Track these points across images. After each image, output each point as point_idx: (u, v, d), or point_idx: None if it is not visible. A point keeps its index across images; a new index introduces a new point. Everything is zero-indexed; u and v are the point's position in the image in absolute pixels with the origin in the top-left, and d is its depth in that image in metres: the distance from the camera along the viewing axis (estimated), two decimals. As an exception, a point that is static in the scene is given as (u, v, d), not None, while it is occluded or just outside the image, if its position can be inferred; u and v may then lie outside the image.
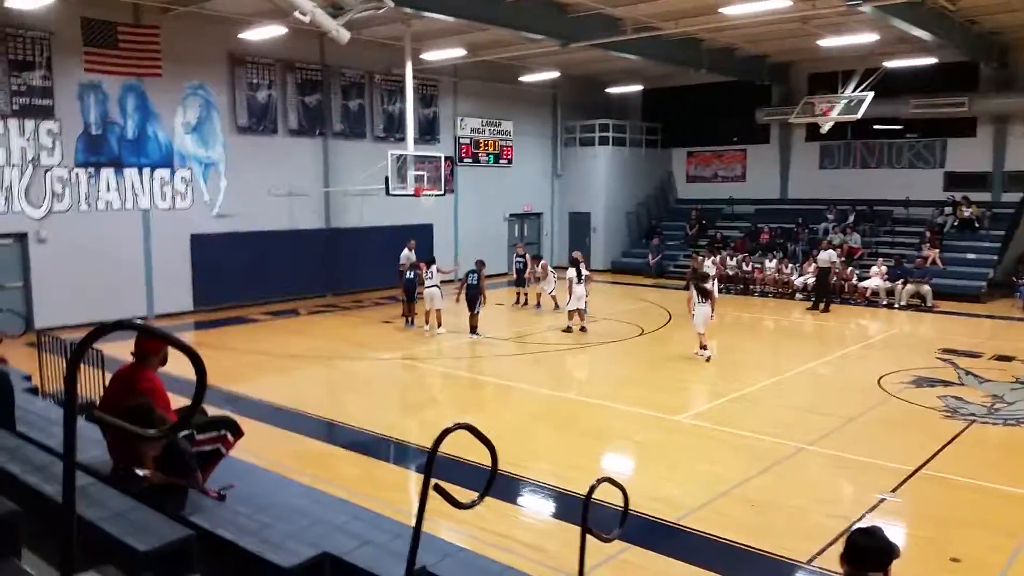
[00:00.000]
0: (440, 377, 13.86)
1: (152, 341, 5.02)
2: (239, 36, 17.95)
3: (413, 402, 12.48)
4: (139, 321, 5.68)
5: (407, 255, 18.39)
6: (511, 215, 27.17)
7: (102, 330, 2.58)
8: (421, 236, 22.70)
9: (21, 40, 15.71)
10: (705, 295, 14.06)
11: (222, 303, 19.08)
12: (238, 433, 5.42)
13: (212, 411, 6.53)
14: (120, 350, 5.04)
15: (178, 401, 5.06)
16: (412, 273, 17.25)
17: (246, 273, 19.42)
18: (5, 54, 15.57)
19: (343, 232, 21.73)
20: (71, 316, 15.26)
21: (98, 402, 8.42)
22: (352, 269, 21.72)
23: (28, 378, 8.53)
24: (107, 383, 5.48)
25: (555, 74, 25.44)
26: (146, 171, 18.01)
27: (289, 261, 20.35)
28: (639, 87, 28.05)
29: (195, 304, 18.87)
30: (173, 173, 18.48)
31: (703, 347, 14.12)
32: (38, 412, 5.99)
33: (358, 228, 21.94)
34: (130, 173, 17.74)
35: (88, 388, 8.34)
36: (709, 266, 19.14)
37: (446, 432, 3.88)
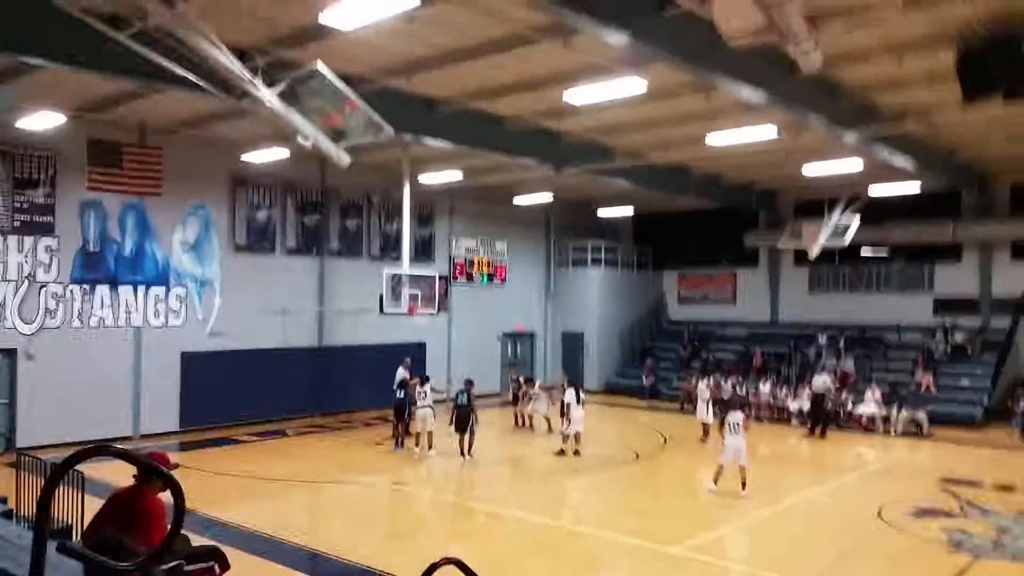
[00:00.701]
0: (428, 503, 13.45)
1: (161, 459, 4.91)
2: (242, 158, 18.45)
3: (399, 530, 12.03)
4: (120, 445, 5.53)
5: (403, 373, 18.23)
6: (504, 334, 27.18)
7: (82, 454, 2.48)
8: (414, 355, 22.61)
9: (27, 159, 16.09)
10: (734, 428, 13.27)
11: (209, 423, 18.72)
12: (226, 565, 5.19)
13: (195, 539, 6.27)
14: (102, 472, 4.88)
15: (153, 529, 4.85)
16: (403, 392, 17.05)
17: (235, 392, 19.17)
18: (11, 172, 15.90)
19: (335, 350, 21.63)
20: (55, 435, 14.94)
21: (80, 527, 8.10)
22: (343, 388, 21.48)
23: (3, 500, 8.23)
24: (102, 505, 5.25)
25: (548, 196, 26.05)
26: (141, 289, 18.06)
27: (279, 380, 20.14)
28: (630, 210, 28.69)
29: (181, 424, 18.51)
30: (168, 291, 18.54)
31: (743, 484, 13.03)
32: (8, 537, 5.72)
33: (350, 346, 21.86)
34: (125, 291, 17.77)
35: (66, 512, 8.02)
36: (703, 389, 18.95)
37: (433, 567, 3.69)
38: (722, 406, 15.00)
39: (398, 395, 17.10)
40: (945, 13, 10.46)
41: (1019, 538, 10.88)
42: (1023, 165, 21.46)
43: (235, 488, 13.57)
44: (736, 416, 13.40)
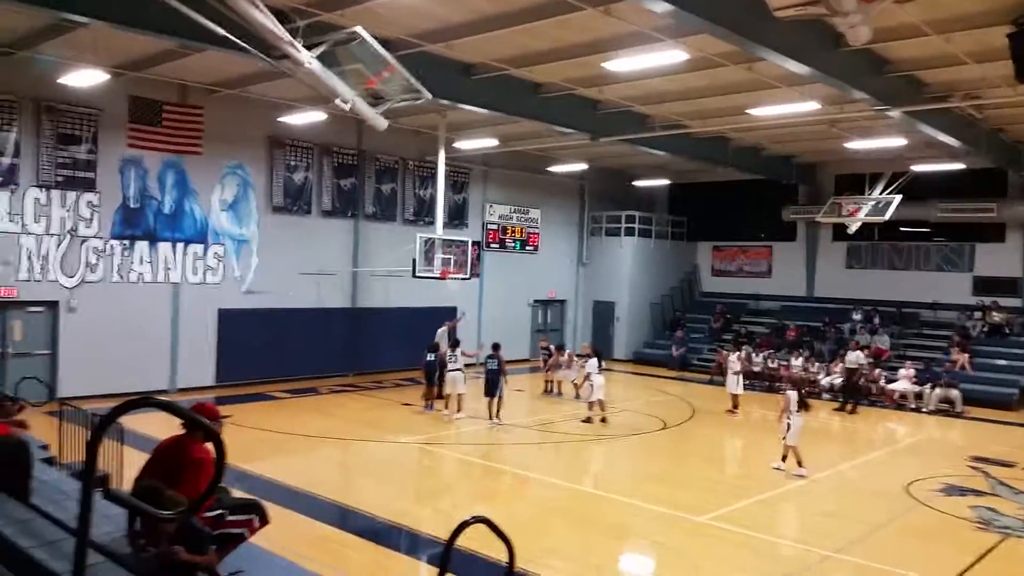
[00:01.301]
0: (457, 464, 13.66)
1: (208, 410, 5.08)
2: (279, 119, 18.58)
3: (428, 489, 12.28)
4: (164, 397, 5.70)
5: (442, 333, 18.45)
6: (535, 301, 27.25)
7: (128, 405, 2.59)
8: (446, 318, 22.79)
9: (70, 116, 16.35)
10: (805, 405, 13.05)
11: (244, 379, 19.12)
12: (265, 519, 5.35)
13: (234, 493, 6.46)
14: (140, 424, 5.04)
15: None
16: (433, 355, 17.24)
17: (270, 350, 19.54)
18: (55, 128, 16.19)
19: (368, 312, 21.90)
20: (94, 386, 15.37)
21: (119, 476, 8.39)
22: (375, 349, 21.78)
23: (45, 447, 8.53)
24: (149, 456, 5.41)
25: (583, 166, 25.93)
26: (180, 246, 18.38)
27: (313, 339, 20.47)
28: (666, 181, 28.47)
29: (217, 379, 18.93)
30: (206, 249, 18.84)
31: (800, 464, 12.66)
32: (52, 483, 5.95)
33: (383, 308, 22.11)
34: (164, 247, 18.11)
35: (105, 462, 8.30)
36: (733, 361, 18.89)
37: (463, 525, 3.79)
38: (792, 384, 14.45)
39: (428, 357, 17.29)
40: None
41: (1049, 521, 10.80)
42: (1074, 144, 20.88)
43: (269, 443, 13.89)
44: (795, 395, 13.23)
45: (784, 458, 12.92)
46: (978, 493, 12.02)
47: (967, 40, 12.08)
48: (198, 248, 18.72)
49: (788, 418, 12.75)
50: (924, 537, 10.16)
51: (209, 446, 5.04)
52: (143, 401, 2.65)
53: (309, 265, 20.54)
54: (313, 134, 20.10)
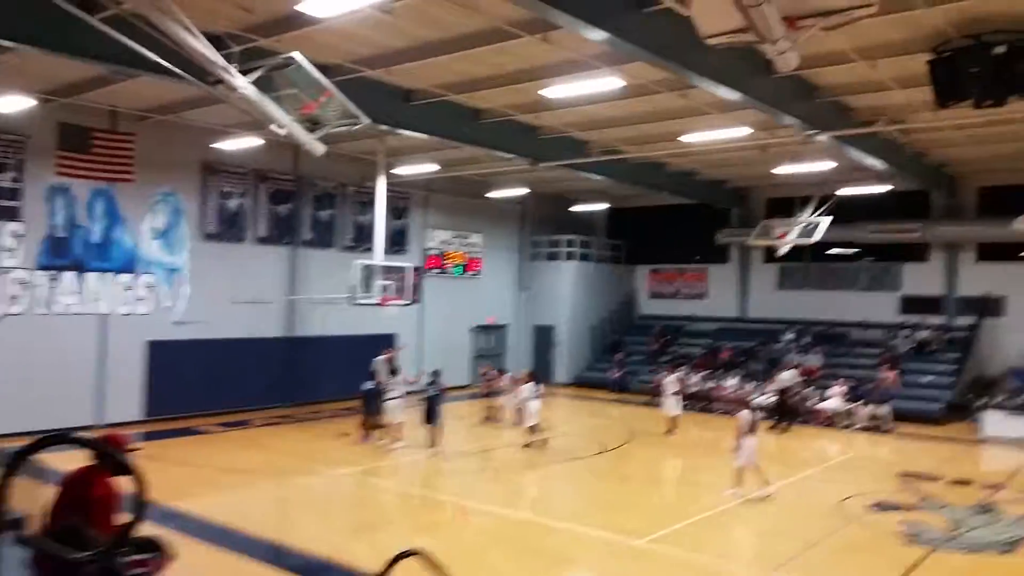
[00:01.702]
0: (396, 495, 13.44)
1: (116, 441, 4.85)
2: (213, 145, 18.24)
3: (365, 522, 12.01)
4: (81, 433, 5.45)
5: (380, 363, 18.15)
6: (476, 326, 27.18)
7: (36, 445, 2.45)
8: (385, 346, 22.51)
9: (-7, 142, 15.77)
10: (754, 429, 12.89)
11: (175, 413, 18.50)
12: (166, 558, 5.14)
13: (155, 532, 6.21)
14: (61, 461, 4.82)
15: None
16: (372, 384, 17.00)
17: (202, 382, 18.98)
18: (-25, 155, 15.57)
19: (304, 341, 21.49)
20: (17, 423, 14.64)
21: (33, 516, 7.98)
22: (312, 379, 21.35)
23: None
24: (57, 492, 5.19)
25: (524, 190, 26.11)
26: (109, 276, 17.79)
27: (247, 370, 19.97)
28: (604, 205, 28.89)
29: (146, 413, 18.28)
30: (136, 278, 18.28)
31: (739, 484, 12.74)
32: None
33: (320, 337, 21.74)
34: (92, 277, 17.49)
35: (21, 501, 7.89)
36: (670, 383, 19.08)
37: (397, 558, 3.70)
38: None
39: (367, 386, 17.04)
40: (920, 19, 10.63)
41: (973, 531, 11.15)
42: (991, 168, 21.90)
43: (199, 479, 13.46)
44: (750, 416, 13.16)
45: (738, 482, 12.84)
46: (907, 508, 12.34)
47: (891, 67, 12.60)
48: (127, 278, 18.15)
49: (741, 439, 12.77)
50: (857, 552, 10.38)
51: (114, 479, 4.85)
52: (51, 439, 2.50)
53: (243, 294, 20.11)
54: (248, 160, 19.78)
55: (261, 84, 8.31)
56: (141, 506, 2.36)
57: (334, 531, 11.02)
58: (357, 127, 8.98)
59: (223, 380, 19.41)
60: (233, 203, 20.06)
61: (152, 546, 5.02)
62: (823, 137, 15.72)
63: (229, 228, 19.99)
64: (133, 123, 17.32)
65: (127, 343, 17.98)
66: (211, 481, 13.43)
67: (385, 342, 21.81)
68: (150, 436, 17.07)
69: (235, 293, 19.92)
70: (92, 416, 17.34)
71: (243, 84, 8.17)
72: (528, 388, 16.84)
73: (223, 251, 19.85)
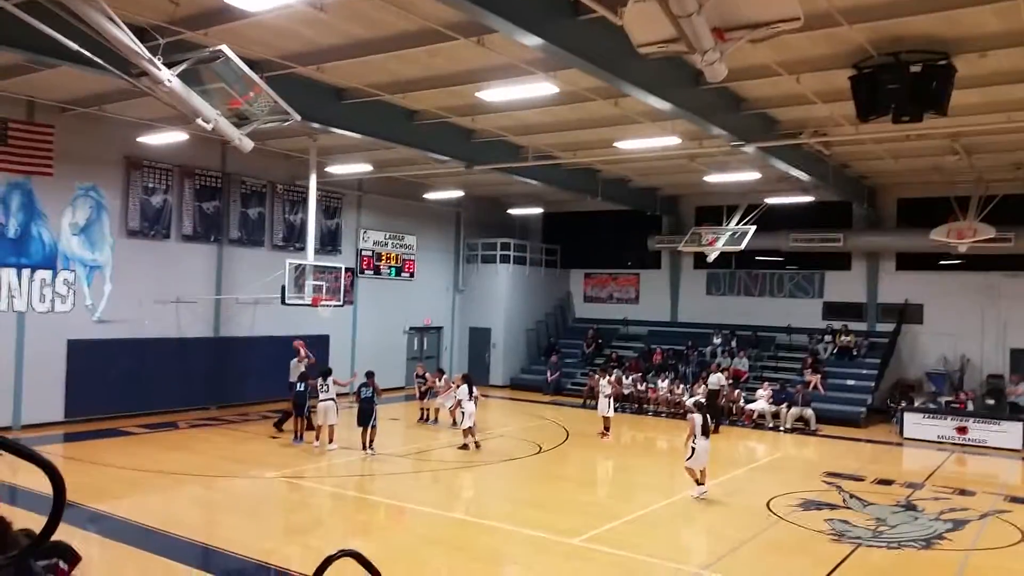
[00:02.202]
0: (328, 497, 13.23)
1: None
2: (138, 140, 17.70)
3: (297, 525, 11.80)
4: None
5: (295, 365, 17.76)
6: (411, 328, 27.01)
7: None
8: (317, 347, 22.19)
9: (-101, 131, 14.98)
10: (706, 430, 12.87)
11: (97, 414, 17.89)
12: (74, 560, 4.95)
13: (75, 534, 5.98)
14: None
15: (33, 520, 4.59)
16: (303, 385, 16.72)
17: (125, 382, 18.40)
18: None
19: (232, 341, 21.01)
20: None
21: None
22: (240, 380, 20.90)
23: None
24: None
25: (459, 193, 26.09)
26: (26, 272, 17.08)
27: (172, 371, 19.42)
28: (539, 210, 29.07)
29: (67, 414, 17.62)
30: (55, 275, 17.59)
31: (698, 483, 12.93)
32: None
33: (249, 337, 21.29)
34: (7, 273, 16.77)
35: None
36: (604, 385, 19.31)
37: (329, 560, 3.64)
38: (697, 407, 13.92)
39: (298, 387, 16.76)
40: (842, 36, 11.01)
41: (895, 527, 11.59)
42: (908, 181, 22.84)
43: (122, 481, 13.02)
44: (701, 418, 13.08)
45: (698, 481, 12.97)
46: (832, 507, 12.75)
47: (815, 81, 13.02)
48: (46, 275, 17.45)
49: (693, 442, 12.80)
50: (784, 551, 10.66)
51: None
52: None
53: (168, 292, 19.57)
54: (174, 155, 19.24)
55: (188, 77, 8.09)
56: (59, 509, 2.26)
57: (265, 534, 10.78)
58: (287, 124, 8.82)
59: (147, 381, 18.85)
60: (157, 199, 19.48)
61: (57, 549, 4.81)
62: (749, 148, 16.15)
63: (153, 225, 19.41)
64: (52, 115, 16.71)
65: (46, 342, 17.30)
66: (135, 483, 13.00)
67: (318, 343, 21.53)
68: (71, 437, 16.47)
69: (160, 292, 19.37)
70: (10, 417, 16.65)
71: (168, 76, 7.95)
72: (462, 390, 16.81)
73: (147, 248, 19.27)
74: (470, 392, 16.73)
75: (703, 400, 16.15)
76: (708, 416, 13.03)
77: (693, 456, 12.82)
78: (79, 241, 18.06)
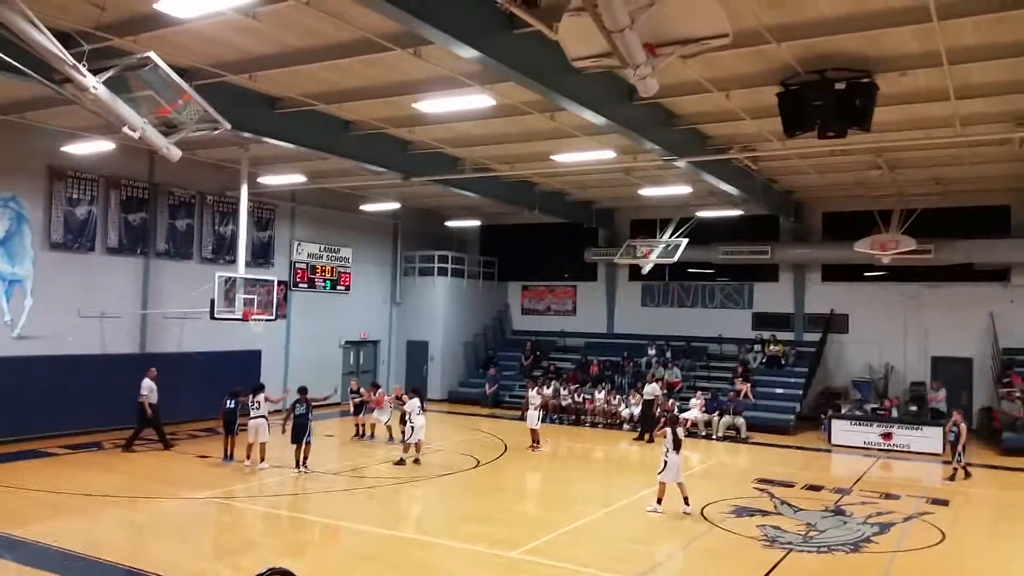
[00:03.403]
0: (260, 517, 12.90)
1: None
2: (62, 149, 17.08)
3: (228, 546, 11.46)
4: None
5: (149, 384, 17.14)
6: (347, 342, 26.64)
7: None
8: (249, 362, 21.71)
9: None
10: (678, 444, 12.77)
11: (15, 435, 17.07)
12: None
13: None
14: None
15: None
16: (234, 402, 16.31)
17: (46, 401, 17.64)
18: None
19: (159, 357, 20.30)
20: None
21: None
22: (168, 398, 20.08)
23: None
24: None
25: (396, 205, 25.91)
26: (-64, 286, 16.30)
27: (96, 389, 18.69)
28: (477, 222, 29.09)
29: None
30: (-31, 289, 16.82)
31: (685, 500, 12.76)
32: None
33: (176, 353, 20.68)
34: (-84, 287, 15.98)
35: None
36: (534, 396, 19.22)
37: (261, 580, 3.55)
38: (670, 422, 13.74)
39: (228, 404, 16.32)
40: (770, 54, 11.35)
41: (824, 532, 11.89)
42: (834, 195, 23.64)
43: (43, 505, 12.46)
44: (680, 433, 13.02)
45: (659, 499, 12.88)
46: (764, 513, 13.01)
47: (743, 97, 13.38)
48: (-41, 289, 16.67)
49: (665, 455, 12.77)
50: (718, 557, 10.83)
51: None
52: None
53: (92, 307, 18.90)
54: (99, 165, 18.63)
55: (114, 85, 7.85)
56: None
57: (194, 556, 10.44)
58: (217, 132, 8.63)
59: (70, 399, 18.10)
60: (82, 211, 18.82)
61: None
62: (681, 163, 16.49)
63: (77, 237, 18.74)
64: (-32, 122, 16.00)
65: (-42, 361, 16.50)
66: (57, 506, 12.46)
67: (249, 359, 21.07)
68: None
69: (83, 306, 18.70)
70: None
71: (93, 83, 7.70)
72: (413, 403, 16.55)
73: (70, 261, 18.59)
74: (421, 406, 16.55)
75: (677, 414, 16.21)
76: (676, 431, 12.92)
77: (664, 469, 12.77)
78: (-4, 254, 17.32)
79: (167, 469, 15.71)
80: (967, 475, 16.33)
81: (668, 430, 13.08)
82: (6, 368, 17.17)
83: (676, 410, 22.00)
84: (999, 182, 20.64)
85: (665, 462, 12.80)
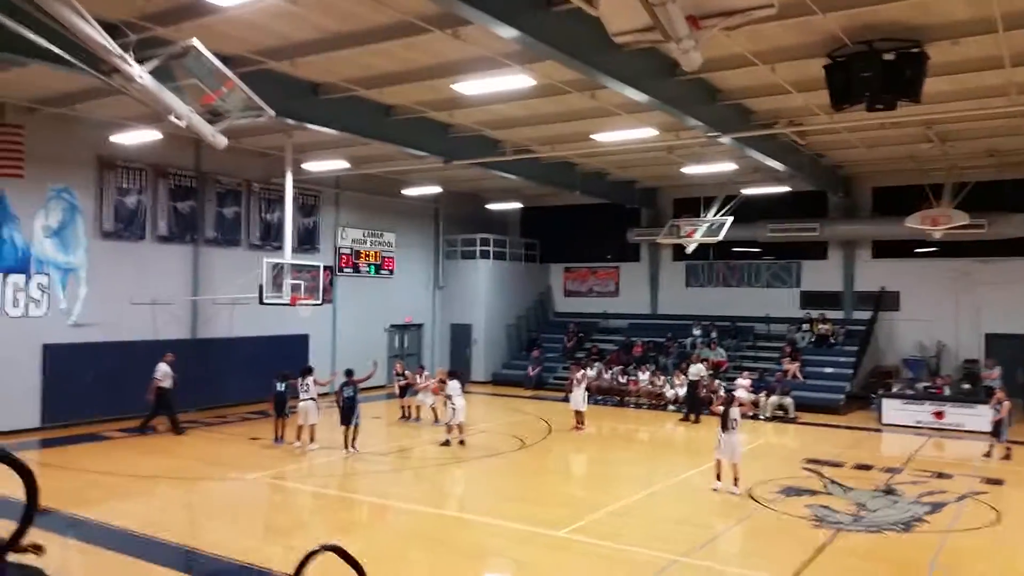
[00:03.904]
0: (310, 497, 13.15)
1: None
2: (110, 139, 17.46)
3: (279, 526, 11.72)
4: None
5: (164, 368, 17.32)
6: (392, 326, 26.90)
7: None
8: (297, 347, 22.06)
9: None
10: (724, 423, 12.76)
11: (74, 419, 17.65)
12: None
13: (59, 541, 5.88)
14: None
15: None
16: (283, 385, 16.60)
17: (102, 387, 18.15)
18: None
19: (210, 343, 20.80)
20: None
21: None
22: (218, 382, 20.67)
23: None
24: None
25: (437, 189, 25.99)
26: (-3, 276, 16.83)
27: (150, 374, 19.12)
28: (518, 204, 29.06)
29: (44, 420, 17.37)
30: (28, 279, 17.33)
31: (735, 481, 12.70)
32: None
33: (227, 339, 21.09)
34: (-22, 277, 16.52)
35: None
36: (578, 378, 19.19)
37: (310, 555, 3.60)
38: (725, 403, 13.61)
39: (278, 387, 16.63)
40: (816, 25, 11.07)
41: (874, 512, 11.71)
42: (883, 169, 23.06)
43: (102, 486, 12.87)
44: (736, 413, 13.00)
45: (717, 476, 12.91)
46: (813, 493, 12.86)
47: (789, 70, 13.08)
48: (19, 279, 17.18)
49: (720, 434, 12.83)
50: (766, 537, 10.74)
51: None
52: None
53: (144, 294, 19.35)
54: (147, 155, 19.00)
55: (159, 74, 7.97)
56: (31, 511, 2.20)
57: (246, 535, 10.70)
58: (261, 119, 8.70)
59: (125, 384, 18.56)
60: (131, 200, 19.25)
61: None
62: (725, 139, 16.22)
63: (128, 226, 19.18)
64: (22, 115, 16.43)
65: (21, 347, 17.05)
66: (114, 488, 12.85)
67: (297, 343, 21.39)
68: (48, 443, 16.26)
69: (135, 294, 19.15)
70: (-18, 425, 16.41)
71: (139, 73, 7.82)
72: (453, 385, 16.71)
73: (122, 250, 19.04)
74: (461, 387, 16.69)
75: (735, 393, 16.25)
76: (729, 410, 12.90)
77: (719, 446, 12.86)
78: (52, 244, 17.81)
79: (219, 451, 16.08)
80: (1007, 455, 15.91)
81: (720, 408, 13.14)
82: (63, 354, 17.69)
83: (722, 391, 21.84)
84: (1057, 152, 19.93)
85: (720, 440, 12.83)
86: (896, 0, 10.19)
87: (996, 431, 16.13)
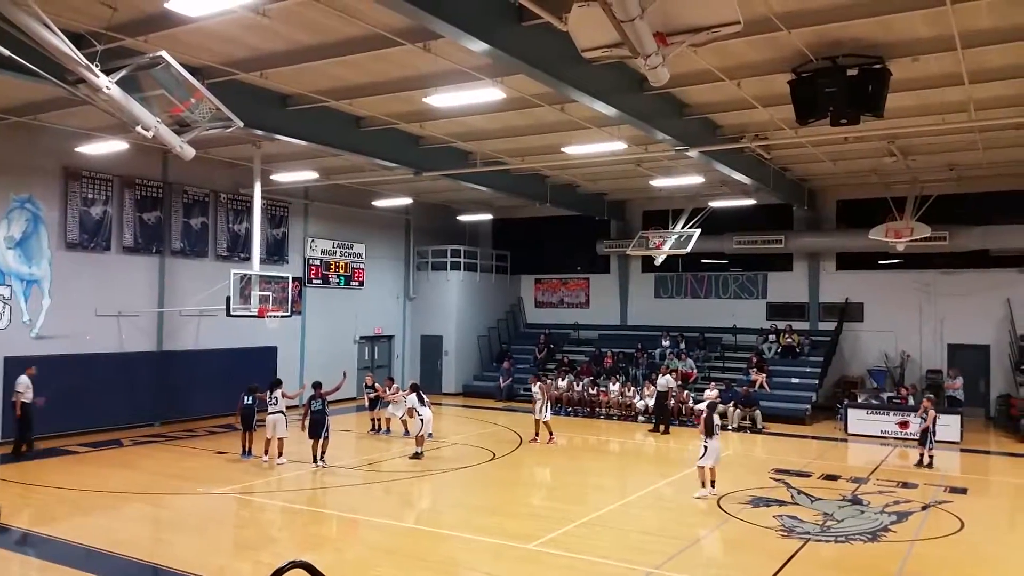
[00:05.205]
0: (279, 512, 13.00)
1: None
2: (76, 149, 17.22)
3: (247, 541, 11.55)
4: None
5: (26, 381, 16.35)
6: (361, 337, 26.74)
7: None
8: (265, 359, 21.87)
9: None
10: (710, 430, 13.13)
11: (37, 434, 17.24)
12: None
13: (7, 557, 5.77)
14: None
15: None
16: (251, 398, 16.42)
17: (66, 400, 17.79)
18: None
19: (176, 355, 20.52)
20: None
21: None
22: (185, 396, 20.39)
23: None
24: None
25: (408, 200, 25.97)
26: (-45, 287, 16.49)
27: (114, 387, 18.89)
28: (489, 216, 29.12)
29: (4, 435, 16.99)
30: (-12, 290, 17.01)
31: (712, 483, 13.22)
32: None
33: (193, 351, 20.83)
34: (-64, 289, 16.16)
35: None
36: (536, 391, 19.06)
37: (279, 572, 3.59)
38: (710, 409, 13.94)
39: (246, 400, 16.44)
40: (781, 41, 11.26)
41: (842, 522, 11.85)
42: (847, 183, 23.47)
43: (65, 502, 12.61)
44: (718, 418, 13.37)
45: (703, 483, 13.22)
46: (781, 503, 12.99)
47: (755, 86, 13.29)
48: (-22, 290, 16.86)
49: (704, 441, 13.17)
50: (735, 548, 10.82)
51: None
52: None
53: (109, 306, 19.06)
54: (113, 165, 18.77)
55: (126, 84, 7.90)
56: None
57: (213, 551, 10.54)
58: (229, 130, 8.67)
59: (89, 398, 18.29)
60: (97, 210, 18.97)
61: None
62: (693, 153, 16.42)
63: (93, 237, 18.89)
64: (-16, 125, 16.15)
65: (-21, 361, 16.69)
66: (77, 503, 12.60)
67: (266, 355, 21.19)
68: (9, 458, 15.88)
69: (100, 305, 18.86)
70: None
71: (107, 83, 7.75)
72: (412, 399, 16.65)
73: (87, 261, 18.75)
74: (421, 400, 16.62)
75: (717, 400, 16.46)
76: (711, 416, 13.31)
77: (704, 455, 13.11)
78: (15, 255, 17.49)
79: (186, 465, 15.84)
80: (930, 463, 16.23)
81: (704, 417, 13.35)
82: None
83: (691, 401, 22.01)
84: (1015, 167, 20.43)
85: (705, 448, 13.08)
86: (859, 17, 10.41)
87: (923, 439, 16.51)
